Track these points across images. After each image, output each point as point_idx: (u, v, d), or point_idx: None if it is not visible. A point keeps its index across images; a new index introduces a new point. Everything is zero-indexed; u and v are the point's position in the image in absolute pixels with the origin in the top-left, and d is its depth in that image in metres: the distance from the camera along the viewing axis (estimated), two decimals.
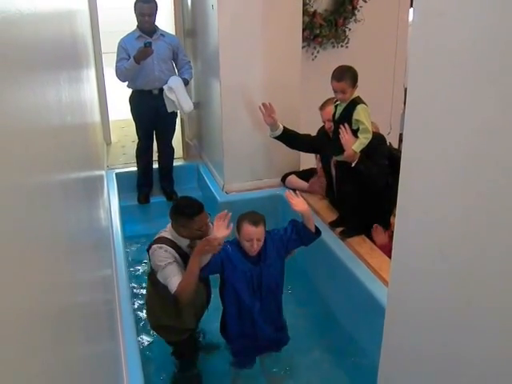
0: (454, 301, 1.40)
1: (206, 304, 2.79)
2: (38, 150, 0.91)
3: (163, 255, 2.46)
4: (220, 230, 2.47)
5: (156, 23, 3.98)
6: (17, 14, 0.78)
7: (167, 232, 2.57)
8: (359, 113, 2.78)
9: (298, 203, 2.65)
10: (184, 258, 2.54)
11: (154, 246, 2.51)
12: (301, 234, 2.65)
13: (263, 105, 3.42)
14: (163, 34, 3.99)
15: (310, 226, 2.65)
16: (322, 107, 3.18)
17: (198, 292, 2.61)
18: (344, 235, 3.12)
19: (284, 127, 3.43)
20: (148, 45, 3.74)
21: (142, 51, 3.75)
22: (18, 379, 0.59)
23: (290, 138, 3.46)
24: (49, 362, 0.78)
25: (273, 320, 2.68)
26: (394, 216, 2.79)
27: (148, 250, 2.57)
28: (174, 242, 2.53)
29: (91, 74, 3.89)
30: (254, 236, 2.46)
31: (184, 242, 2.57)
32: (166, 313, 2.58)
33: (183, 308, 2.55)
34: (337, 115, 2.91)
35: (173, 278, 2.41)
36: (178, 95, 3.93)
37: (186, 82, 4.06)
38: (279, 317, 2.74)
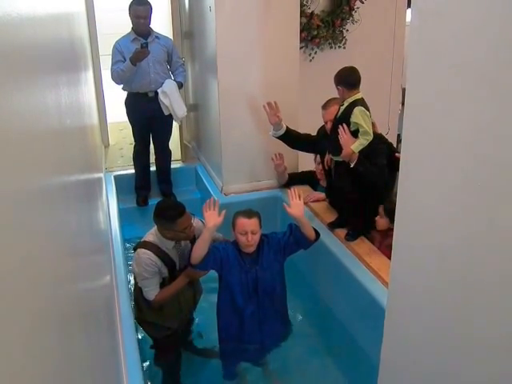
0: (453, 302, 1.40)
1: (193, 308, 2.85)
2: (38, 152, 0.91)
3: (147, 267, 2.52)
4: (211, 218, 2.46)
5: (152, 25, 3.98)
6: (17, 18, 0.78)
7: (153, 235, 2.61)
8: (356, 115, 2.78)
9: (296, 206, 2.58)
10: (168, 262, 2.59)
11: (140, 251, 2.55)
12: (298, 239, 2.61)
13: (268, 104, 3.37)
14: (158, 36, 3.98)
15: (306, 232, 2.60)
16: (326, 106, 3.12)
17: (185, 296, 2.66)
18: (349, 238, 3.10)
19: (287, 127, 3.42)
20: (145, 45, 3.74)
21: (138, 52, 3.74)
22: (20, 379, 0.60)
23: (292, 138, 3.46)
24: (49, 362, 0.78)
25: (269, 326, 2.65)
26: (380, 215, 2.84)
27: (135, 249, 2.63)
28: (159, 247, 2.57)
29: (89, 76, 3.89)
30: (248, 228, 2.45)
31: (169, 245, 2.61)
32: (149, 308, 2.64)
33: (166, 306, 2.63)
34: (338, 114, 2.92)
35: (150, 291, 2.56)
36: (171, 100, 3.93)
37: (180, 86, 4.06)
38: (276, 324, 2.70)
